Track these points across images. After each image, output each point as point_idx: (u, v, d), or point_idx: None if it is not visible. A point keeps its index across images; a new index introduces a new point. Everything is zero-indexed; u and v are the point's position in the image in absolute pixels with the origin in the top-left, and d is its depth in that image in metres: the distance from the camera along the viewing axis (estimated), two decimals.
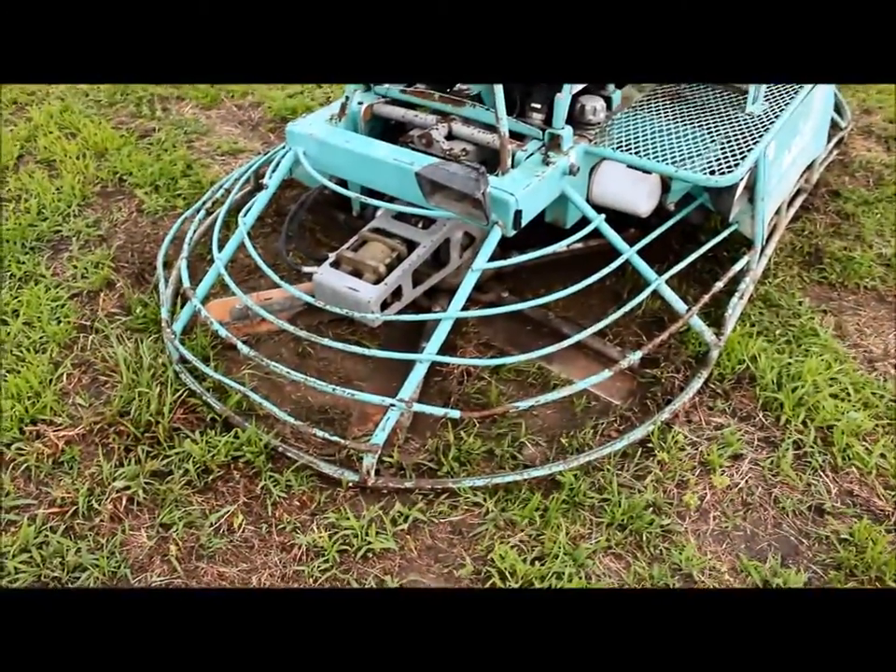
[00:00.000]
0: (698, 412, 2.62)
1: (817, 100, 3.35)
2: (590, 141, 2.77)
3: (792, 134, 3.13)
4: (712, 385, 2.70)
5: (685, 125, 2.86)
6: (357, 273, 2.60)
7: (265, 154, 3.71)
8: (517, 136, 2.72)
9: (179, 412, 2.54)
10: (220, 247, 2.88)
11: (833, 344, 2.87)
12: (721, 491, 2.39)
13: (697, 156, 2.67)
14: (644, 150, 2.70)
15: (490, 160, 2.66)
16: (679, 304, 2.73)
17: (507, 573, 2.12)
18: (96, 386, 2.68)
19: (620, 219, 2.82)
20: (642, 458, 2.46)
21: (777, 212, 3.30)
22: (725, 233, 3.01)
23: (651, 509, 2.32)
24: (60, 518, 2.27)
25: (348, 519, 2.25)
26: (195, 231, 3.21)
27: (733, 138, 2.76)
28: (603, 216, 2.70)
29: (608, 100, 2.88)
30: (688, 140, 2.76)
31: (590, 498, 2.33)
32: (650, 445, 2.49)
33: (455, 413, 2.42)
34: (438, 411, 2.45)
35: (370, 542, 2.20)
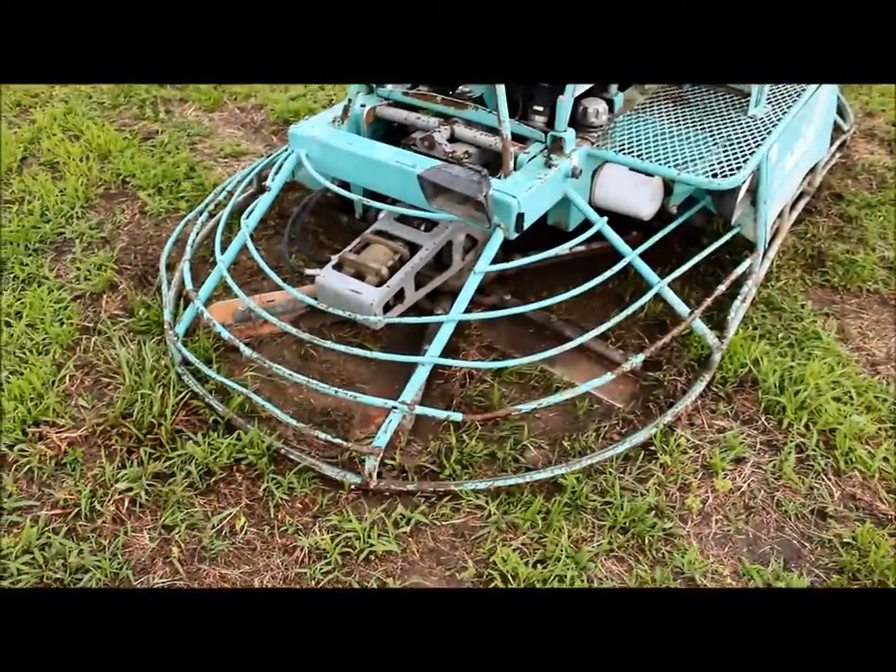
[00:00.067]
0: (700, 415, 2.62)
1: (819, 103, 3.35)
2: (592, 144, 2.77)
3: (795, 137, 3.13)
4: (714, 389, 2.70)
5: (687, 128, 2.86)
6: (359, 276, 2.60)
7: (268, 156, 3.72)
8: (519, 139, 2.72)
9: (182, 413, 2.54)
10: (223, 250, 2.88)
11: (835, 348, 2.87)
12: (723, 494, 2.38)
13: (700, 159, 2.67)
14: (646, 153, 2.70)
15: (492, 162, 2.66)
16: (681, 307, 2.73)
17: (509, 576, 2.12)
18: (99, 388, 2.68)
19: (622, 222, 2.82)
20: (644, 461, 2.46)
21: (780, 215, 3.30)
22: (728, 236, 3.01)
23: (654, 512, 2.32)
24: (62, 519, 2.27)
25: (350, 521, 2.25)
26: (198, 234, 3.22)
27: (735, 141, 2.76)
28: (605, 218, 2.70)
29: (610, 102, 2.89)
30: (690, 143, 2.76)
31: (592, 501, 2.33)
32: (652, 448, 2.49)
33: (458, 416, 2.42)
34: (440, 413, 2.45)
35: (372, 545, 2.20)
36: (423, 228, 2.75)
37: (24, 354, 2.76)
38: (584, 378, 2.62)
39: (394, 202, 2.75)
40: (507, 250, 2.77)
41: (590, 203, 2.81)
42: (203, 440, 2.44)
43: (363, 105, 2.93)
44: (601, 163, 2.81)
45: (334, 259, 2.67)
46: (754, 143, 2.74)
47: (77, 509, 2.28)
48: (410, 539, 2.24)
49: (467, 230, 2.75)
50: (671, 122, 2.90)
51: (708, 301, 2.78)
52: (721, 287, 2.86)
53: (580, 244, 2.70)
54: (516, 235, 2.57)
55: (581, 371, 2.75)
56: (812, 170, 3.62)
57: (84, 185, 3.73)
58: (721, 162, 2.64)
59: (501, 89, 2.37)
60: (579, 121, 2.79)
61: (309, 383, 2.46)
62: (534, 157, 2.68)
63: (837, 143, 4.04)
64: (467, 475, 2.41)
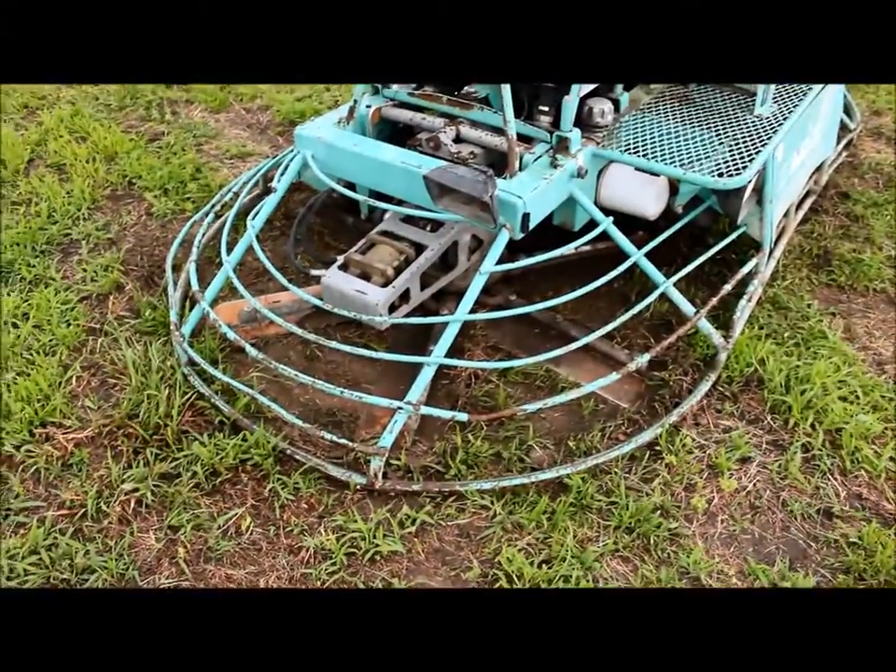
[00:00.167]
0: (706, 415, 2.62)
1: (826, 102, 3.34)
2: (598, 144, 2.77)
3: (801, 136, 3.12)
4: (720, 388, 2.69)
5: (693, 127, 2.85)
6: (365, 276, 2.60)
7: (274, 157, 3.73)
8: (525, 139, 2.72)
9: (188, 414, 2.55)
10: (229, 250, 2.89)
11: (841, 347, 2.86)
12: (728, 494, 2.38)
13: (705, 158, 2.67)
14: (652, 153, 2.70)
15: (498, 163, 2.66)
16: (687, 307, 2.72)
17: (514, 576, 2.12)
18: (105, 389, 2.69)
19: (628, 222, 2.81)
20: (650, 461, 2.45)
21: (786, 214, 3.29)
22: (733, 236, 3.01)
23: (659, 512, 2.31)
24: (69, 520, 2.28)
25: (356, 522, 2.26)
26: (204, 235, 3.23)
27: (741, 140, 2.75)
28: (611, 218, 2.70)
29: (615, 102, 2.89)
30: (696, 142, 2.76)
31: (597, 501, 2.33)
32: (657, 448, 2.49)
33: (463, 416, 2.42)
34: (445, 413, 2.45)
35: (377, 545, 2.20)
36: (428, 228, 2.75)
37: (31, 355, 2.77)
38: (590, 378, 2.62)
39: (399, 202, 2.76)
40: (512, 250, 2.77)
41: (595, 203, 2.81)
42: (208, 440, 2.44)
43: (369, 106, 2.93)
44: (607, 163, 2.80)
45: (340, 259, 2.68)
46: (760, 142, 2.73)
47: (84, 509, 2.29)
48: (415, 540, 2.24)
49: (472, 230, 2.75)
50: (677, 122, 2.89)
51: (714, 300, 2.78)
52: (727, 287, 2.86)
53: (585, 244, 2.70)
54: (522, 235, 2.57)
55: (586, 370, 2.75)
56: (818, 169, 3.61)
57: (91, 186, 3.74)
58: (726, 162, 2.64)
59: (507, 89, 2.37)
60: (584, 121, 2.79)
61: (315, 383, 2.46)
62: (539, 157, 2.68)
63: (844, 142, 4.03)
64: (472, 475, 2.42)
